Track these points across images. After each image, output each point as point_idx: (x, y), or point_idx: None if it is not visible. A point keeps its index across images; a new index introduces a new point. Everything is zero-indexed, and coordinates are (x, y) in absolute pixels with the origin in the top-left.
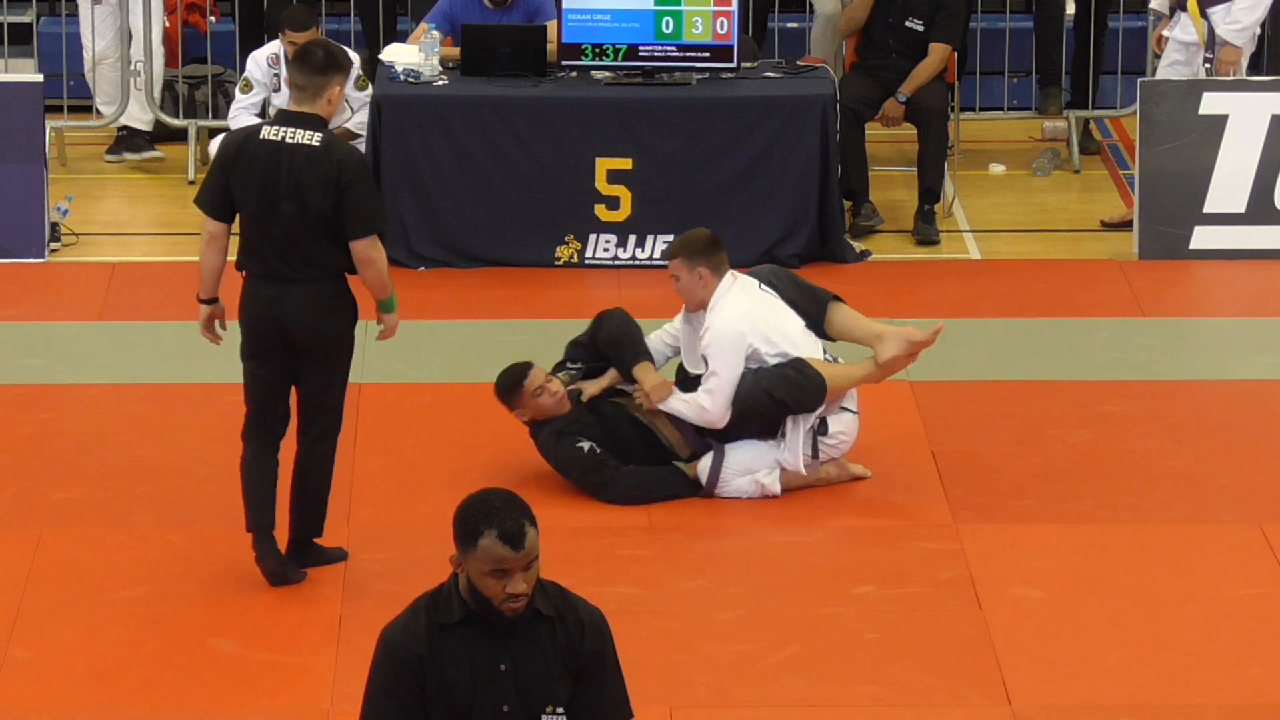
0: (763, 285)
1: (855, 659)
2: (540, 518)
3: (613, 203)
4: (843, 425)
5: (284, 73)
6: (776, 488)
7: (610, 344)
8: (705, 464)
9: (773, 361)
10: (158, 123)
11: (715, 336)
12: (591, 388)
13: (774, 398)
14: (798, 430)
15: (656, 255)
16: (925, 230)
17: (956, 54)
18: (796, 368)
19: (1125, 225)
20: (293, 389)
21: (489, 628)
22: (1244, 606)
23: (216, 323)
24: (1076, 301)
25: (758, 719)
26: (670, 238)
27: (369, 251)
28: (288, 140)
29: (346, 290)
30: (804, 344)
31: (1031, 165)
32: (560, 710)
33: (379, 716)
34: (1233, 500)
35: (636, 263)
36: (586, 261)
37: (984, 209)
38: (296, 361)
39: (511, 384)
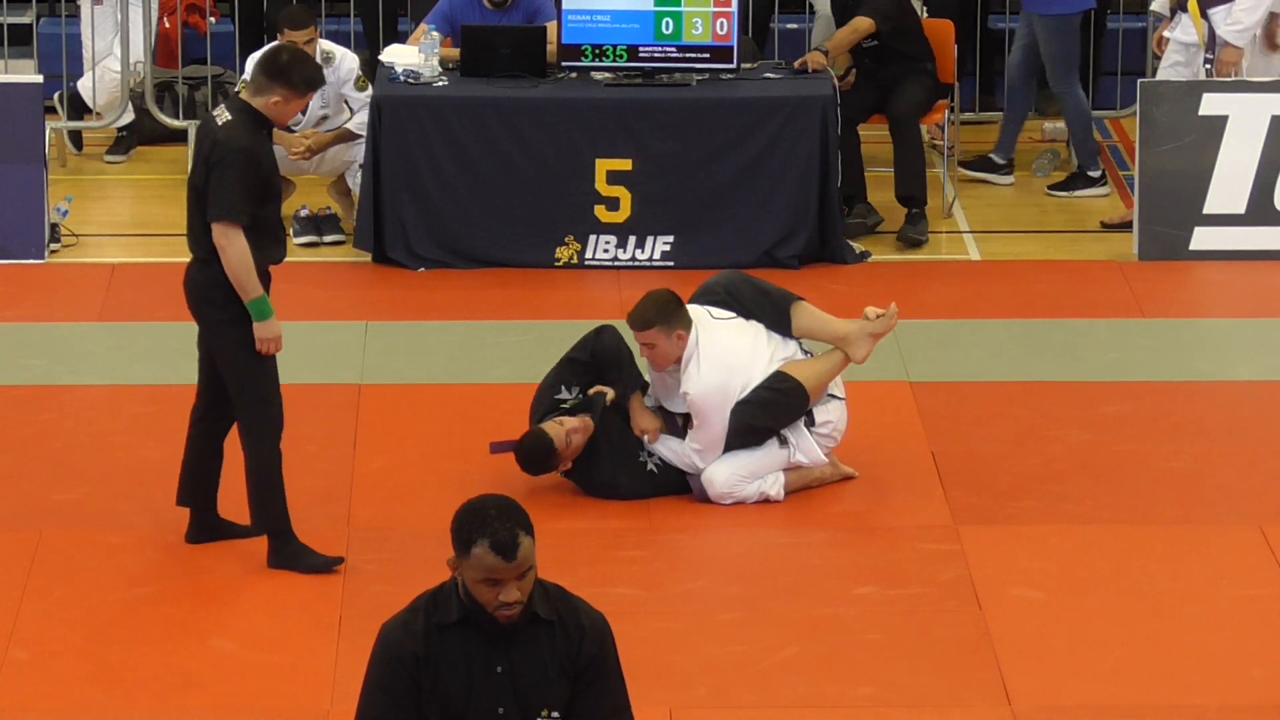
0: (715, 311)
1: (855, 660)
2: (539, 519)
3: (612, 204)
4: (830, 414)
5: None
6: (781, 495)
7: (604, 365)
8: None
9: (753, 389)
10: (158, 123)
11: (698, 398)
12: (611, 393)
13: (757, 427)
14: (801, 431)
15: (656, 256)
16: (908, 232)
17: (956, 56)
18: (773, 386)
19: (1125, 226)
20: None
21: (487, 630)
22: (1244, 607)
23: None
24: (1076, 302)
25: None
26: (670, 239)
27: (219, 238)
28: (213, 115)
29: (222, 278)
30: (777, 357)
31: (1031, 166)
32: (556, 714)
33: (375, 713)
34: (1233, 501)
35: (636, 264)
36: (586, 262)
37: (983, 210)
38: None
39: (545, 455)
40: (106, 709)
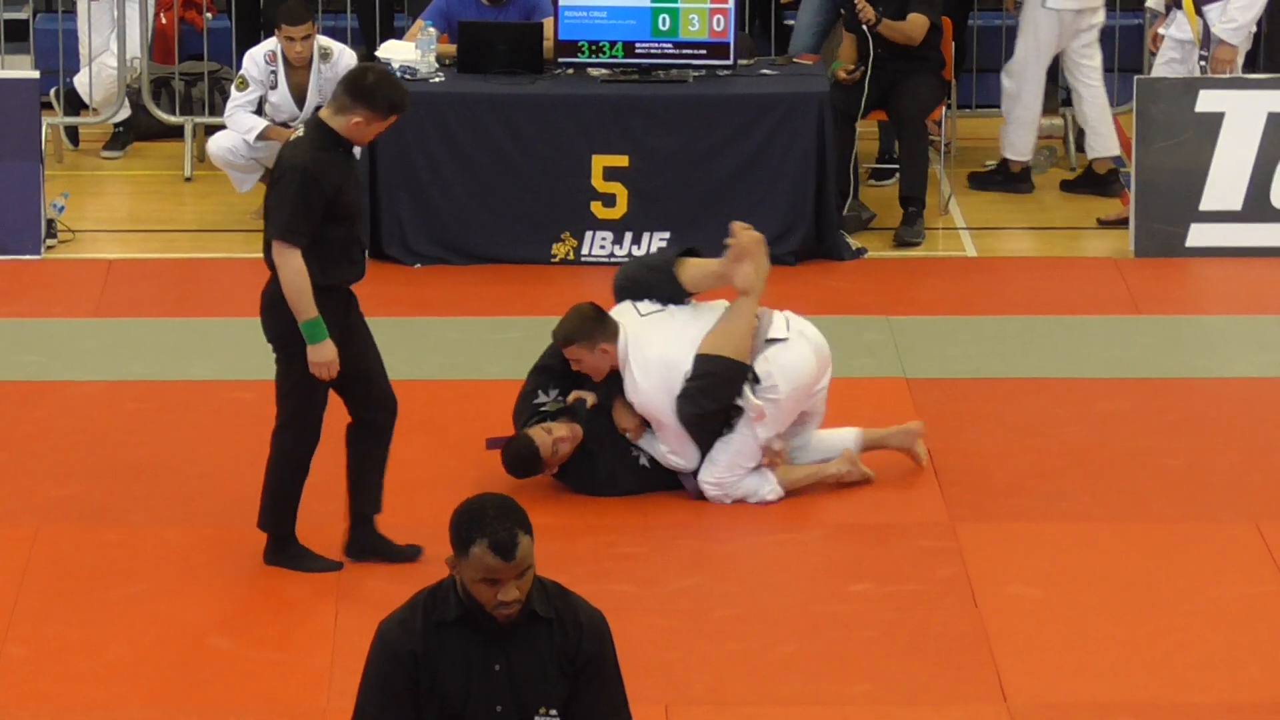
0: (642, 307)
1: (852, 657)
2: (536, 515)
3: (609, 200)
4: (770, 364)
5: (281, 70)
6: (776, 493)
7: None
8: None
9: (684, 384)
10: (154, 119)
11: (645, 405)
12: (591, 397)
13: (705, 414)
14: (747, 402)
15: (653, 252)
16: (903, 233)
17: (954, 52)
18: (697, 374)
19: (1122, 223)
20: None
21: (485, 628)
22: (1241, 604)
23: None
24: (1073, 299)
25: (754, 717)
26: (667, 235)
27: (275, 256)
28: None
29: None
30: (700, 332)
31: (1029, 163)
32: (554, 712)
33: (373, 711)
34: (1229, 498)
35: None
36: (583, 259)
37: (980, 206)
38: None
39: (530, 461)
40: (103, 706)
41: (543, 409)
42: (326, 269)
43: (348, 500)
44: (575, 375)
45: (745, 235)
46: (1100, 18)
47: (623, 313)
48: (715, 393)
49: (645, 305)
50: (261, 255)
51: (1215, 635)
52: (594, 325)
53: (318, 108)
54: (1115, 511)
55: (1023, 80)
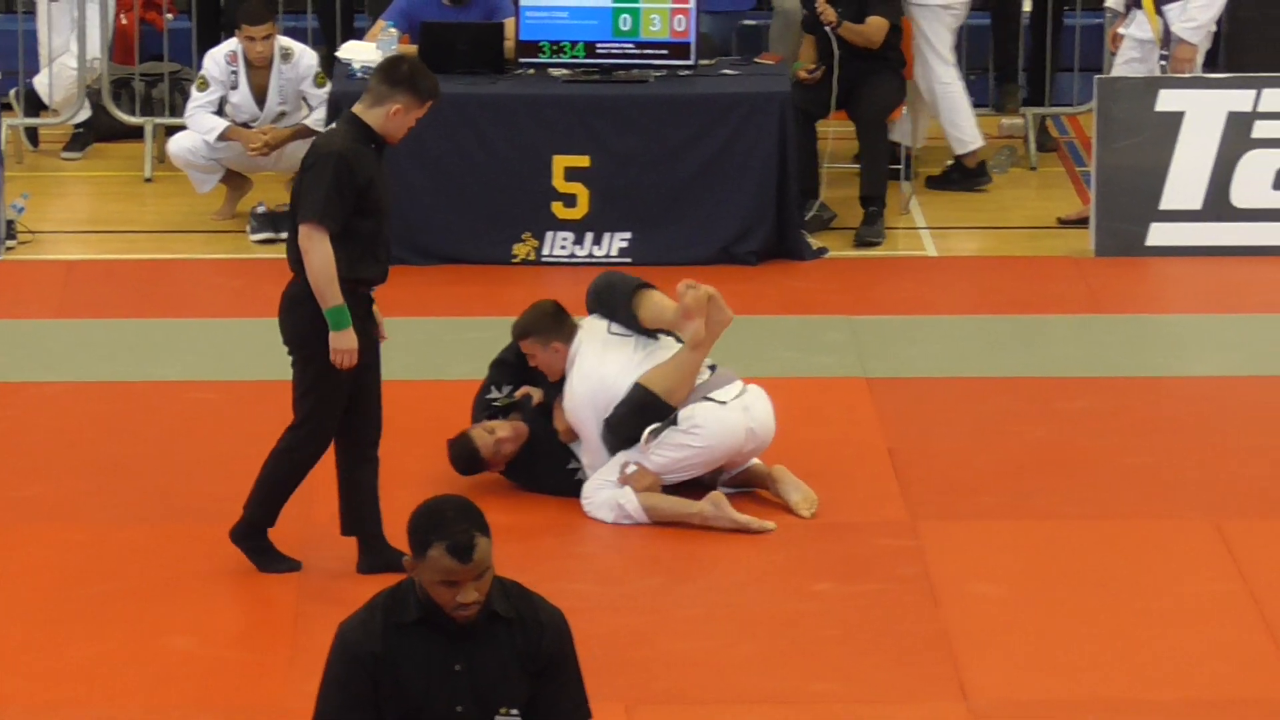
0: (614, 328)
1: (813, 656)
2: (497, 515)
3: (570, 200)
4: (697, 415)
5: (242, 70)
6: (640, 514)
7: (530, 365)
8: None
9: (614, 407)
10: (114, 120)
11: (570, 413)
12: (538, 394)
13: (619, 439)
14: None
15: (614, 253)
16: (863, 232)
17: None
18: (626, 401)
19: (1082, 222)
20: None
21: (445, 628)
22: (1201, 602)
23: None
24: (1034, 298)
25: (715, 715)
26: (628, 236)
27: (304, 240)
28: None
29: (310, 292)
30: (648, 362)
31: (988, 162)
32: (515, 712)
33: (332, 712)
34: (1190, 497)
35: (593, 260)
36: (543, 259)
37: (940, 206)
38: None
39: (470, 459)
40: (65, 706)
41: (494, 404)
42: (353, 263)
43: (342, 517)
44: (531, 371)
45: (690, 295)
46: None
47: (593, 324)
48: (628, 421)
49: (617, 327)
50: (229, 256)
51: (1176, 632)
52: (551, 323)
53: (280, 111)
54: (1077, 510)
55: (937, 77)
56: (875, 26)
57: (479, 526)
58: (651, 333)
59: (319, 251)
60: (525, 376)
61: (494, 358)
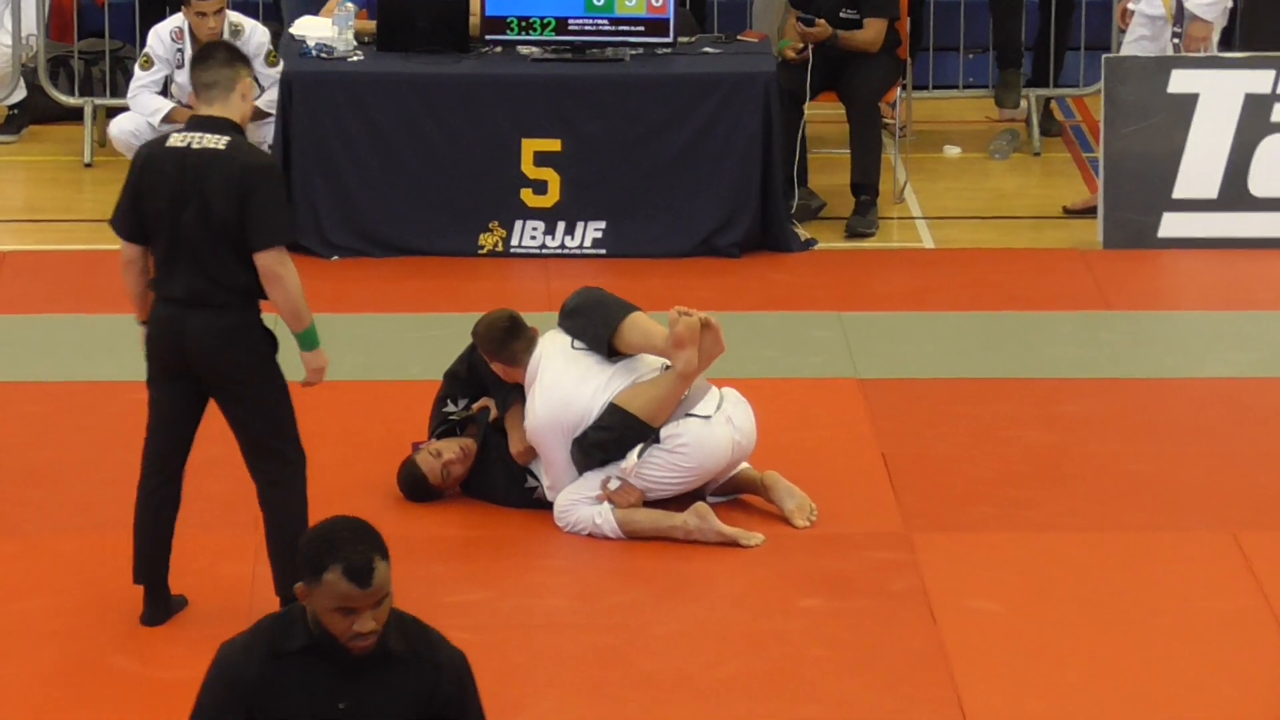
0: (576, 344)
1: (801, 676)
2: (462, 525)
3: (540, 187)
4: (681, 431)
5: (188, 48)
6: (615, 529)
7: (483, 377)
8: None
9: (587, 429)
10: (51, 101)
11: (533, 433)
12: (495, 409)
13: (594, 462)
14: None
15: (587, 244)
16: (855, 223)
17: (910, 30)
18: (602, 425)
19: (1089, 212)
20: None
21: (333, 661)
22: (1215, 620)
23: None
24: (1036, 293)
25: None
26: (602, 225)
27: (274, 266)
28: (193, 146)
29: (255, 319)
30: (614, 384)
31: (988, 147)
32: None
33: None
34: (1204, 506)
35: (565, 251)
36: (512, 250)
37: (938, 194)
38: (214, 396)
39: (419, 486)
40: None
41: (450, 418)
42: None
43: (144, 561)
44: (481, 384)
45: (683, 323)
46: None
47: (555, 337)
48: (608, 447)
49: (579, 343)
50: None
51: (1187, 653)
52: (503, 338)
53: None
54: (1081, 521)
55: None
56: (874, 30)
57: (377, 549)
58: (601, 350)
59: (293, 274)
60: (479, 389)
61: (447, 369)
